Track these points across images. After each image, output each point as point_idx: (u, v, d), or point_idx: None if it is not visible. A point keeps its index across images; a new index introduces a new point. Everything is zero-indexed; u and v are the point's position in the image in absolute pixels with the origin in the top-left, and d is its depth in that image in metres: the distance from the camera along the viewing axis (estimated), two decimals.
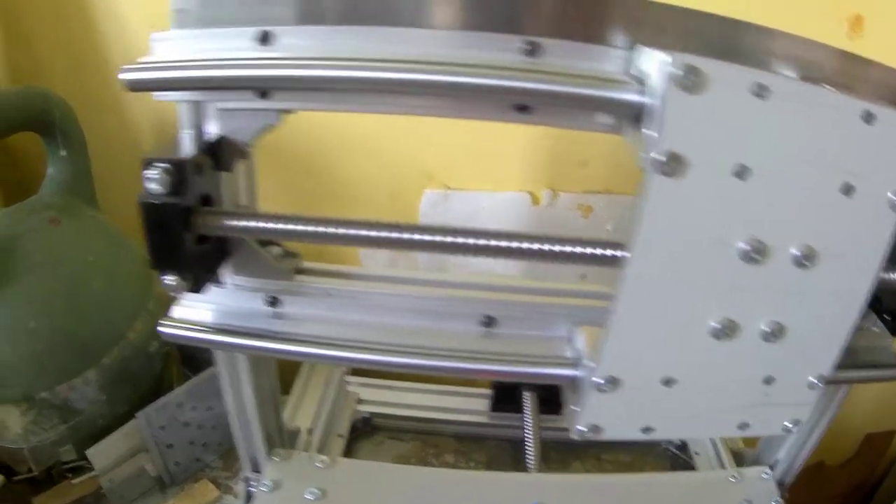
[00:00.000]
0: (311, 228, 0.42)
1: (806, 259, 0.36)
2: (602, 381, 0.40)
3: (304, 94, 0.43)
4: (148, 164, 0.41)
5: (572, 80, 0.36)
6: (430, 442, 0.77)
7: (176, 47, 0.43)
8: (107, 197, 0.79)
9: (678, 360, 0.39)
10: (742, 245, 0.35)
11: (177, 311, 0.51)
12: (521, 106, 0.41)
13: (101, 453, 0.68)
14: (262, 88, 0.43)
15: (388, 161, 0.84)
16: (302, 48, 0.41)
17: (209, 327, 0.49)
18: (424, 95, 0.42)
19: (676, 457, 0.75)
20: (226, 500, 0.73)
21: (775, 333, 0.39)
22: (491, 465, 0.77)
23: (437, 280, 0.52)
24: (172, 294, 0.45)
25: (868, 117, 0.34)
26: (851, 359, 0.45)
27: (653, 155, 0.33)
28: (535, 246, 0.40)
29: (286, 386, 0.71)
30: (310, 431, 0.70)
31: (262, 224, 0.43)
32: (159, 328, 0.49)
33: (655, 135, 0.33)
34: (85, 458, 0.72)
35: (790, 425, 0.44)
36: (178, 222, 0.42)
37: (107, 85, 0.84)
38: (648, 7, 0.37)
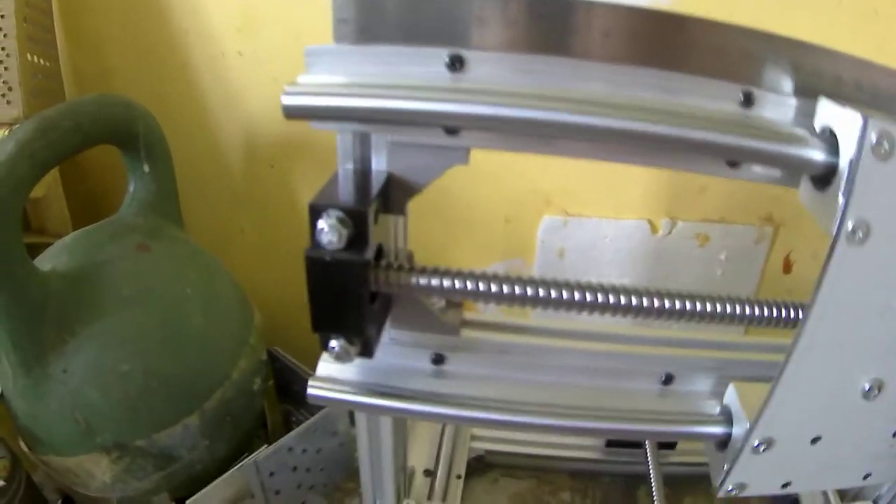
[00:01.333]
0: (526, 292, 0.36)
1: None
2: (758, 442, 0.38)
3: (500, 136, 0.37)
4: (319, 211, 0.34)
5: (782, 137, 0.32)
6: (544, 479, 0.72)
7: (342, 66, 0.36)
8: (187, 216, 0.72)
9: (829, 418, 0.39)
10: None
11: (323, 369, 0.44)
12: (734, 162, 0.36)
13: (202, 502, 0.62)
14: (457, 127, 0.36)
15: (504, 184, 0.77)
16: (502, 81, 0.34)
17: (368, 389, 0.43)
18: (634, 144, 0.35)
19: None
20: None
21: None
22: (607, 502, 0.72)
23: (614, 335, 0.46)
24: (339, 361, 0.39)
25: None
26: None
27: (844, 223, 0.31)
28: (718, 308, 0.38)
29: None
30: (427, 472, 0.65)
31: (461, 286, 0.36)
32: (309, 391, 0.43)
33: (843, 199, 0.30)
34: (174, 500, 0.67)
35: None
36: (358, 281, 0.35)
37: (187, 91, 0.76)
38: (831, 55, 0.34)
